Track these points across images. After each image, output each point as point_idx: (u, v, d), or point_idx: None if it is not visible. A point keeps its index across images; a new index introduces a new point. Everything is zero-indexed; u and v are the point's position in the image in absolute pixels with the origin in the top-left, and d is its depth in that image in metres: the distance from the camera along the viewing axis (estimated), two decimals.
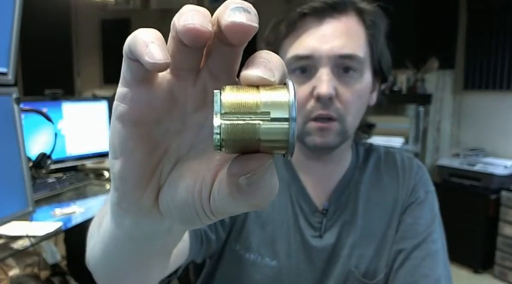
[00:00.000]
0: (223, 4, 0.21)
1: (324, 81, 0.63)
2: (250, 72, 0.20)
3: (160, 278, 0.45)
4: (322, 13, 0.65)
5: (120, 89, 0.24)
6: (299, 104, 0.64)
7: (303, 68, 0.66)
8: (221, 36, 0.21)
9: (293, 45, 0.67)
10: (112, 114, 0.24)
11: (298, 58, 0.65)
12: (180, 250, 0.56)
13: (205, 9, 0.21)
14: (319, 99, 0.63)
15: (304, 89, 0.65)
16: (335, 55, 0.63)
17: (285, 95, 0.20)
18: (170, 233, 0.30)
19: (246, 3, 0.21)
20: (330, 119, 0.65)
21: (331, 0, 0.65)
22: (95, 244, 0.38)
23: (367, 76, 0.68)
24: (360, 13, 0.67)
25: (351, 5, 0.67)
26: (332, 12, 0.65)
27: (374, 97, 0.74)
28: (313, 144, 0.67)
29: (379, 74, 0.72)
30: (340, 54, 0.63)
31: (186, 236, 0.59)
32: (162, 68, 0.20)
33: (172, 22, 0.22)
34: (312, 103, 0.65)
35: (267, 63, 0.21)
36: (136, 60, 0.22)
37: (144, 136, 0.24)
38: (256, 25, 0.20)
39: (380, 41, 0.69)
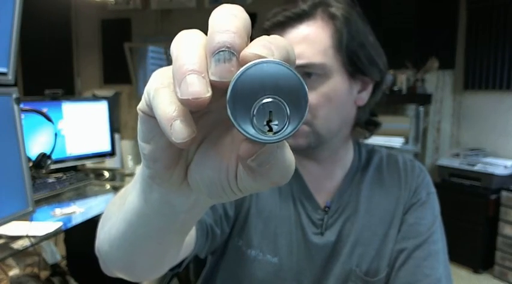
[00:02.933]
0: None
1: None
2: (246, 50, 0.21)
3: (171, 265, 0.46)
4: (283, 25, 0.67)
5: (145, 105, 0.24)
6: None
7: None
8: None
9: None
10: (139, 106, 0.25)
11: None
12: (187, 242, 0.57)
13: (199, 52, 0.22)
14: None
15: None
16: None
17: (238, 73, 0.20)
18: (194, 208, 0.31)
19: (229, 38, 0.21)
20: None
21: (292, 13, 0.67)
22: (113, 225, 0.38)
23: (338, 79, 0.68)
24: (327, 18, 0.67)
25: (319, 9, 0.67)
26: (293, 22, 0.67)
27: (365, 97, 0.73)
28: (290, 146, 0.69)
29: (361, 74, 0.70)
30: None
31: (193, 229, 0.59)
32: (189, 144, 0.21)
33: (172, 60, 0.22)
34: None
35: (265, 43, 0.21)
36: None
37: None
38: (208, 94, 0.21)
39: (349, 40, 0.68)
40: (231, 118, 0.20)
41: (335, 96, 0.68)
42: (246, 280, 0.73)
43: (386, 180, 0.78)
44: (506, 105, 2.90)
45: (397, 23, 3.03)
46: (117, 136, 2.18)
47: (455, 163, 2.84)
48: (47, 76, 3.85)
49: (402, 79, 3.03)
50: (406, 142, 2.97)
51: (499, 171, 2.62)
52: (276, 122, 0.20)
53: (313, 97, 0.66)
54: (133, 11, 3.88)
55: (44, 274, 1.82)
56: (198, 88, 0.20)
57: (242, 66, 0.20)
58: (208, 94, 0.21)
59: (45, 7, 3.60)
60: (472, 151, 2.89)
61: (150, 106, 0.23)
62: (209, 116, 0.26)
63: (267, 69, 0.20)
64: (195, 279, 0.90)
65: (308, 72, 0.66)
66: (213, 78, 0.21)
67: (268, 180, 0.23)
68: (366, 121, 0.79)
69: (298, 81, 0.20)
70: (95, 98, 2.43)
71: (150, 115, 0.24)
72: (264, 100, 0.20)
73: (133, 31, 3.95)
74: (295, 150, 0.68)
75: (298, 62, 0.65)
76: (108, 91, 3.65)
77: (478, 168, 2.70)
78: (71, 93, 3.93)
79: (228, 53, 0.21)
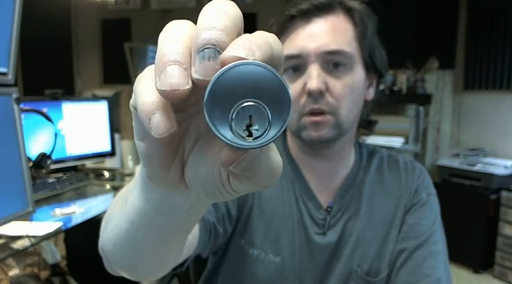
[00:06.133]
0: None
1: (313, 77, 0.65)
2: (225, 52, 0.20)
3: (175, 264, 0.46)
4: (309, 14, 0.68)
5: (133, 94, 0.24)
6: (294, 100, 0.67)
7: (295, 67, 0.68)
8: None
9: (283, 45, 0.70)
10: (131, 101, 0.25)
11: (289, 58, 0.68)
12: (190, 241, 0.57)
13: (184, 43, 0.21)
14: (310, 94, 0.66)
15: (296, 86, 0.67)
16: (322, 51, 0.66)
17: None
18: (195, 206, 0.31)
19: (215, 35, 0.20)
20: (323, 113, 0.67)
21: (318, 2, 0.68)
22: (116, 224, 0.38)
23: (359, 71, 0.70)
24: (348, 11, 0.70)
25: (338, 5, 0.69)
26: (319, 12, 0.68)
27: (371, 93, 0.76)
28: (309, 138, 0.69)
29: (373, 70, 0.73)
30: (327, 50, 0.66)
31: (196, 227, 0.59)
32: (169, 138, 0.21)
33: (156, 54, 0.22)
34: (304, 99, 0.67)
35: (246, 43, 0.20)
36: None
37: None
38: (187, 87, 0.20)
39: (370, 37, 0.71)
40: (208, 122, 0.19)
41: (356, 87, 0.69)
42: (248, 280, 0.73)
43: (387, 180, 0.78)
44: (506, 105, 2.90)
45: (397, 23, 3.03)
46: (117, 136, 2.18)
47: (455, 163, 2.84)
48: (47, 76, 3.84)
49: (402, 79, 3.03)
50: (406, 142, 2.97)
51: (499, 171, 2.62)
52: (257, 127, 0.19)
53: (339, 87, 0.67)
54: (133, 11, 3.87)
55: (44, 274, 1.82)
56: (177, 79, 0.20)
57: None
58: (188, 86, 0.20)
59: (45, 7, 3.60)
60: (472, 151, 2.89)
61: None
62: (203, 115, 0.26)
63: (246, 72, 0.19)
64: (196, 279, 0.90)
65: (336, 61, 0.67)
66: (196, 76, 0.20)
67: (254, 183, 0.22)
68: (365, 120, 0.80)
69: (281, 83, 0.19)
70: (95, 98, 2.43)
71: None
72: (244, 104, 0.19)
73: (133, 31, 3.95)
74: (315, 142, 0.69)
75: (329, 48, 0.66)
76: (108, 91, 3.64)
77: (478, 168, 2.70)
78: (71, 93, 3.93)
79: (213, 50, 0.20)
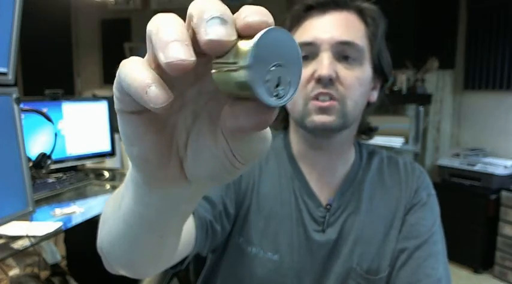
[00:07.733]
0: (198, 11, 0.21)
1: (324, 64, 0.66)
2: (250, 17, 0.20)
3: (172, 257, 0.46)
4: (324, 6, 0.70)
5: (115, 90, 0.24)
6: (301, 86, 0.67)
7: (306, 54, 0.69)
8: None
9: (296, 34, 0.72)
10: (115, 107, 0.25)
11: (301, 45, 0.69)
12: (187, 240, 0.57)
13: (181, 26, 0.21)
14: (320, 80, 0.66)
15: (306, 72, 0.68)
16: (335, 41, 0.67)
17: (249, 43, 0.20)
18: (195, 195, 0.31)
19: (220, 8, 0.21)
20: (330, 99, 0.67)
21: None
22: (111, 227, 0.38)
23: (367, 68, 0.71)
24: (361, 11, 0.71)
25: (352, 4, 0.71)
26: (334, 6, 0.70)
27: (375, 95, 0.76)
28: (314, 124, 0.68)
29: (379, 72, 0.74)
30: (339, 40, 0.67)
31: (193, 226, 0.59)
32: (167, 108, 0.21)
33: (148, 37, 0.22)
34: (312, 84, 0.67)
35: (260, 10, 0.21)
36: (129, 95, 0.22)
37: (151, 120, 0.25)
38: (234, 37, 0.20)
39: (379, 38, 0.72)
40: (250, 84, 0.20)
41: (364, 83, 0.70)
42: (247, 278, 0.73)
43: (387, 180, 0.78)
44: (506, 105, 2.90)
45: (397, 23, 3.03)
46: (117, 136, 2.18)
47: (456, 163, 2.84)
48: (47, 77, 3.84)
49: (402, 79, 3.02)
50: (406, 142, 2.97)
51: (499, 171, 2.61)
52: (282, 87, 0.21)
53: (349, 77, 0.68)
54: (133, 11, 3.88)
55: (44, 274, 1.83)
56: (183, 52, 0.20)
57: (242, 32, 0.21)
58: (193, 58, 0.20)
59: (45, 7, 3.61)
60: (472, 151, 2.89)
61: (120, 91, 0.23)
62: (188, 109, 0.26)
63: (279, 36, 0.21)
64: (195, 279, 0.90)
65: (347, 54, 0.68)
66: (208, 37, 0.20)
67: (264, 138, 0.24)
68: (366, 126, 0.81)
69: (298, 50, 0.22)
70: (95, 98, 2.43)
71: (126, 111, 0.24)
72: (277, 66, 0.21)
73: (133, 31, 3.95)
74: (319, 129, 0.69)
75: (342, 38, 0.68)
76: (108, 91, 3.65)
77: (478, 168, 2.70)
78: (71, 93, 3.93)
79: (222, 19, 0.20)
